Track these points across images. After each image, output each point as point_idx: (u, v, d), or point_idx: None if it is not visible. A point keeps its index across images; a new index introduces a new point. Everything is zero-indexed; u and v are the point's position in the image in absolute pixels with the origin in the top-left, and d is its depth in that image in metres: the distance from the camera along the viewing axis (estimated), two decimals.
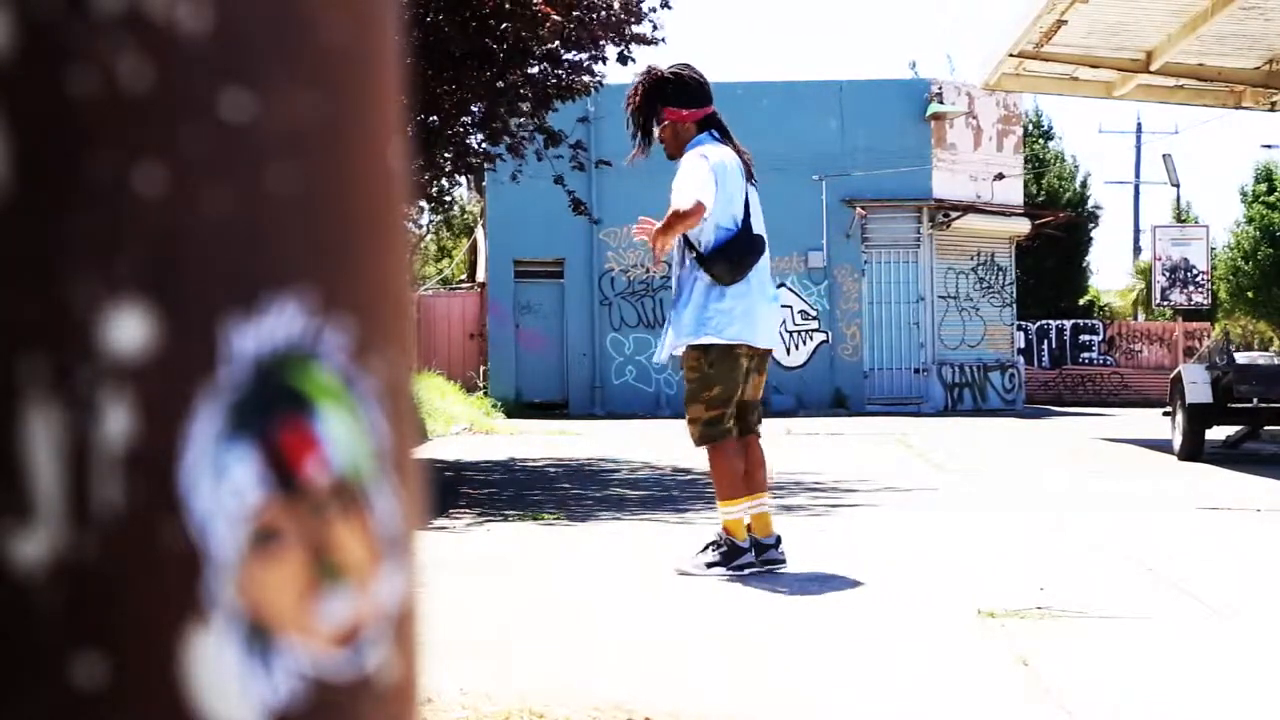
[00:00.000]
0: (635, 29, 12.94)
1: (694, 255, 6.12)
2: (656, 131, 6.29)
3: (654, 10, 13.04)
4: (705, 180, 6.00)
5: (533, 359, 27.50)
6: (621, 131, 6.53)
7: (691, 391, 6.15)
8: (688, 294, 6.14)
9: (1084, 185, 43.64)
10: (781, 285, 27.73)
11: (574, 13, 12.26)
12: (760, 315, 6.15)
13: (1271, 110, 19.51)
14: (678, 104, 6.24)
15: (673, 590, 5.78)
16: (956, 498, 9.95)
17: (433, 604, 4.70)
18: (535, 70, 13.30)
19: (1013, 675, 4.16)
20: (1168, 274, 30.62)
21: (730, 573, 6.07)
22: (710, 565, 6.11)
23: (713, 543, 6.18)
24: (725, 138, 6.28)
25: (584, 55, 13.21)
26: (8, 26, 0.57)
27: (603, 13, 12.72)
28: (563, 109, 14.03)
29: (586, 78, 13.37)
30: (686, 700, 3.80)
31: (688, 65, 6.38)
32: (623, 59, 12.95)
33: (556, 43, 12.61)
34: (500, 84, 12.78)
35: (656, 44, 13.10)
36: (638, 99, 6.26)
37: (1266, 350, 41.41)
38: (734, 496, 6.11)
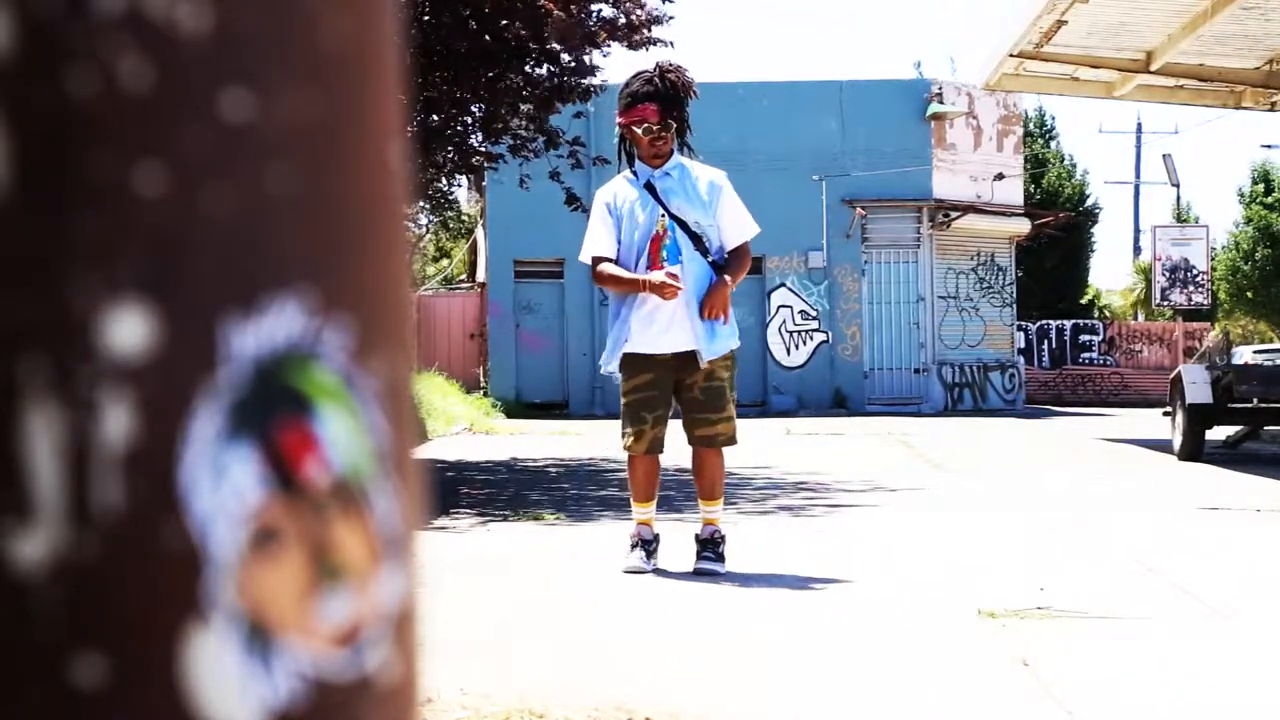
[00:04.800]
0: (649, 33, 12.88)
1: (710, 261, 6.21)
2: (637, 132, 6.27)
3: (670, 17, 13.00)
4: None
5: (533, 359, 27.49)
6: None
7: (729, 388, 6.28)
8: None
9: (1084, 185, 43.64)
10: (781, 285, 27.76)
11: (578, 12, 12.23)
12: None
13: (1271, 110, 19.51)
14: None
15: (672, 590, 5.78)
16: (956, 498, 9.95)
17: (433, 604, 4.70)
18: (537, 70, 13.26)
19: (1013, 675, 4.16)
20: (1168, 274, 30.61)
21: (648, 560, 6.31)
22: (723, 558, 6.25)
23: (722, 538, 6.27)
24: None
25: (584, 56, 13.15)
26: (8, 26, 0.57)
27: (604, 9, 12.69)
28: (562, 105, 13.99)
29: (588, 80, 13.31)
30: (686, 700, 3.80)
31: None
32: (634, 46, 12.85)
33: (556, 44, 12.56)
34: (502, 84, 12.75)
35: (668, 45, 13.05)
36: (687, 90, 6.23)
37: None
38: (722, 496, 6.45)
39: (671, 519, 8.15)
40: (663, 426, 6.26)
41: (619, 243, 6.27)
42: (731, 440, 6.28)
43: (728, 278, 6.19)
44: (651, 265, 6.19)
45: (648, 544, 6.30)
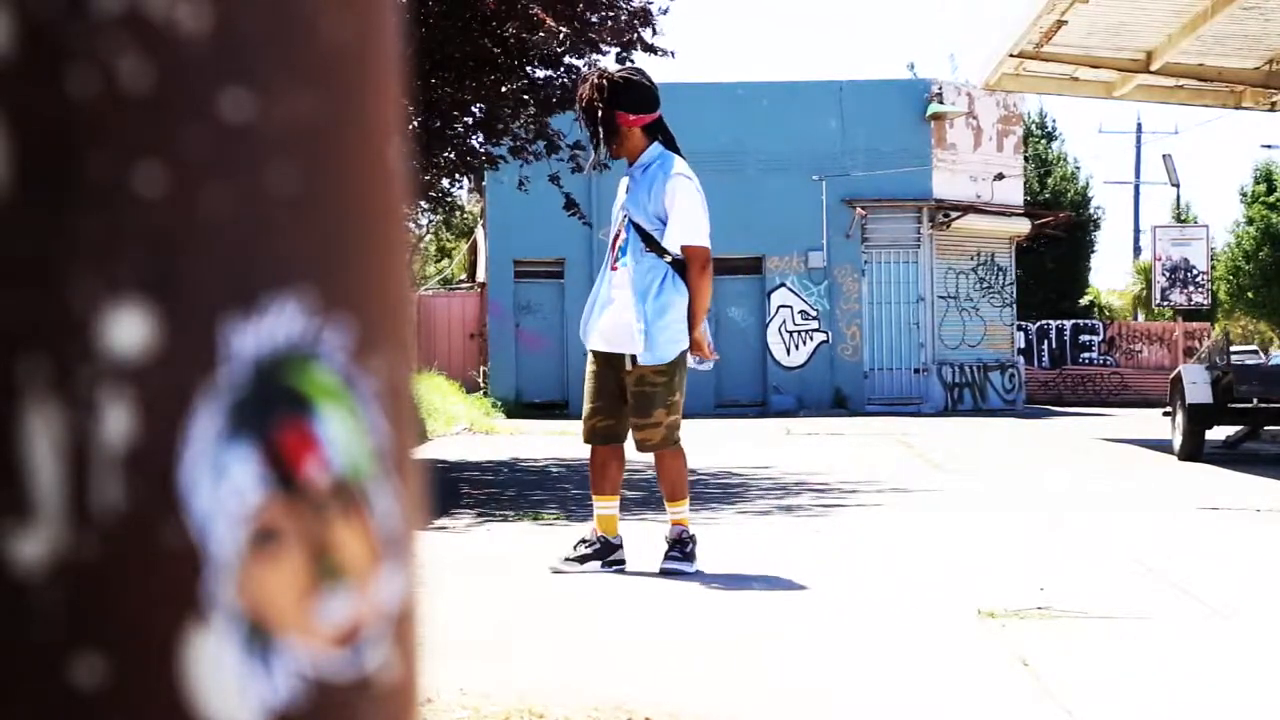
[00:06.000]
0: (645, 36, 12.84)
1: (667, 259, 6.21)
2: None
3: (663, 13, 12.93)
4: (704, 212, 6.28)
5: (533, 359, 27.49)
6: None
7: (660, 396, 6.21)
8: (657, 293, 6.16)
9: (1086, 186, 43.66)
10: (781, 285, 27.76)
11: (574, 23, 12.21)
12: None
13: (1271, 110, 19.52)
14: (628, 108, 6.23)
15: (672, 590, 5.78)
16: (956, 498, 9.95)
17: (433, 604, 4.70)
18: (540, 75, 13.24)
19: (1013, 675, 4.16)
20: (1168, 274, 30.59)
21: (606, 569, 6.23)
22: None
23: (690, 539, 6.26)
24: (670, 144, 6.37)
25: (583, 62, 13.12)
26: (8, 26, 0.57)
27: (606, 15, 12.67)
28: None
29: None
30: (686, 700, 3.80)
31: (639, 70, 6.55)
32: (621, 61, 12.83)
33: (556, 45, 12.54)
34: (505, 88, 12.73)
35: (667, 54, 12.99)
36: (587, 101, 6.25)
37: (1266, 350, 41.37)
38: (686, 496, 6.33)
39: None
40: (603, 419, 6.26)
41: None
42: (659, 445, 6.22)
43: (696, 325, 6.19)
44: (610, 262, 6.35)
45: (593, 546, 6.25)
